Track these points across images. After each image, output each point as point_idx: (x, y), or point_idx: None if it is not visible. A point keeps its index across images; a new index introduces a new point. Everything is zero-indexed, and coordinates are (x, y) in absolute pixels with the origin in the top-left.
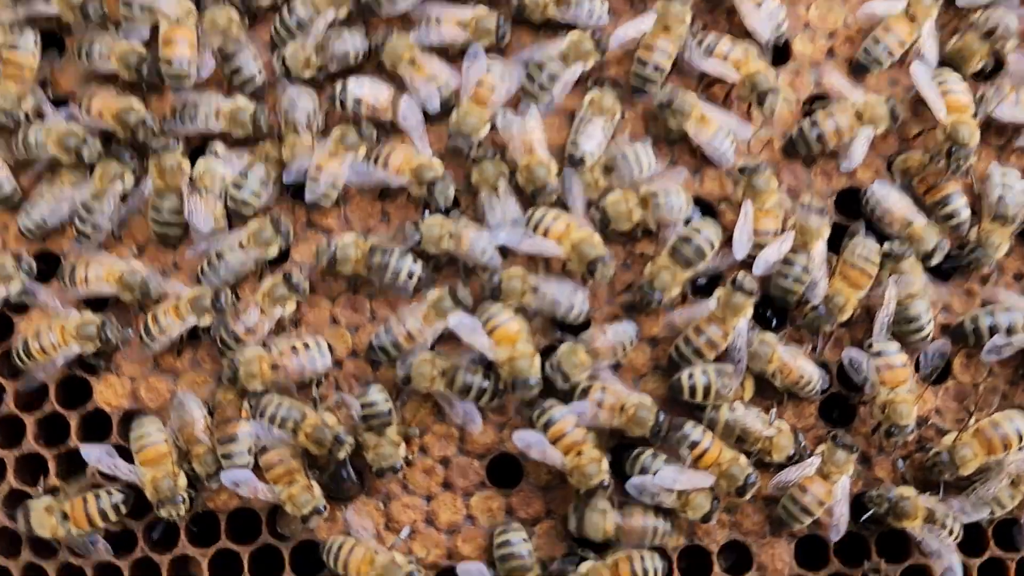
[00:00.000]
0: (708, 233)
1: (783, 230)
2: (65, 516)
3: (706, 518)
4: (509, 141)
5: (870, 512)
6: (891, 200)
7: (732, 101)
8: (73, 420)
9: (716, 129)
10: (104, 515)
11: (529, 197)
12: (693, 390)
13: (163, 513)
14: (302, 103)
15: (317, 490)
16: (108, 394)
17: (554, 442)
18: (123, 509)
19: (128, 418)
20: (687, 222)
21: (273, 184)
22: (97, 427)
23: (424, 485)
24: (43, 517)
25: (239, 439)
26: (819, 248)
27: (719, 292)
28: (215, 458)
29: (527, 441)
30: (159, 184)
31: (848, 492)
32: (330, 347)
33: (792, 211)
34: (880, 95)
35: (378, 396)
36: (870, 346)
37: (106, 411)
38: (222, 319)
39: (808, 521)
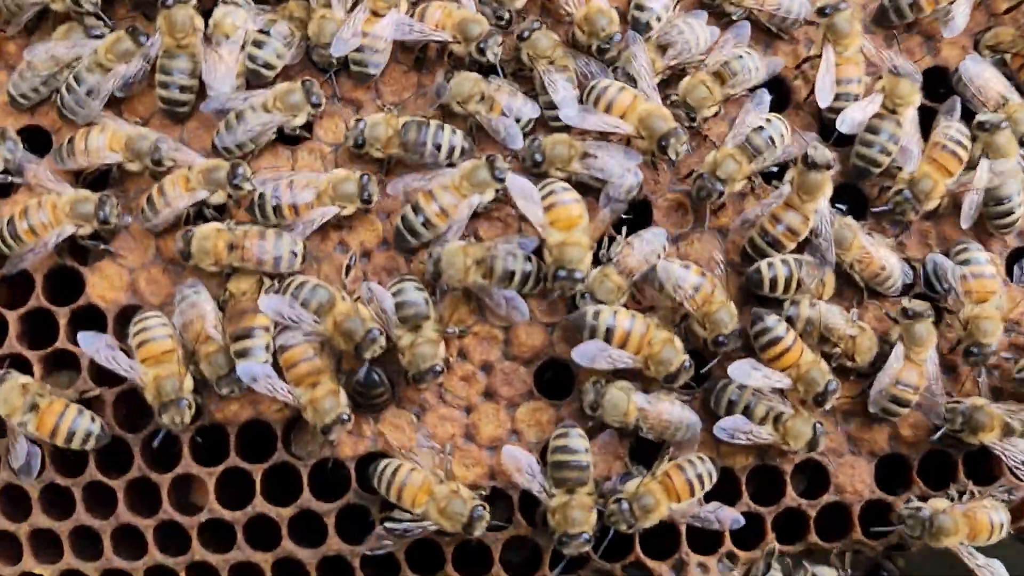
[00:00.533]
0: (779, 125)
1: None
2: (34, 408)
3: (812, 445)
4: None
5: (941, 431)
6: (985, 76)
7: None
8: (62, 318)
9: None
10: (71, 436)
11: (592, 53)
12: (774, 282)
13: (165, 419)
14: None
15: (343, 396)
16: (103, 287)
17: (621, 345)
18: (93, 444)
19: (126, 315)
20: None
21: (297, 46)
22: (89, 326)
23: (463, 394)
24: (12, 395)
25: (255, 334)
26: (911, 114)
27: (791, 173)
28: (227, 358)
29: (589, 354)
30: (169, 42)
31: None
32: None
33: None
34: None
35: (411, 287)
36: (958, 251)
37: (100, 307)
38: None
39: None
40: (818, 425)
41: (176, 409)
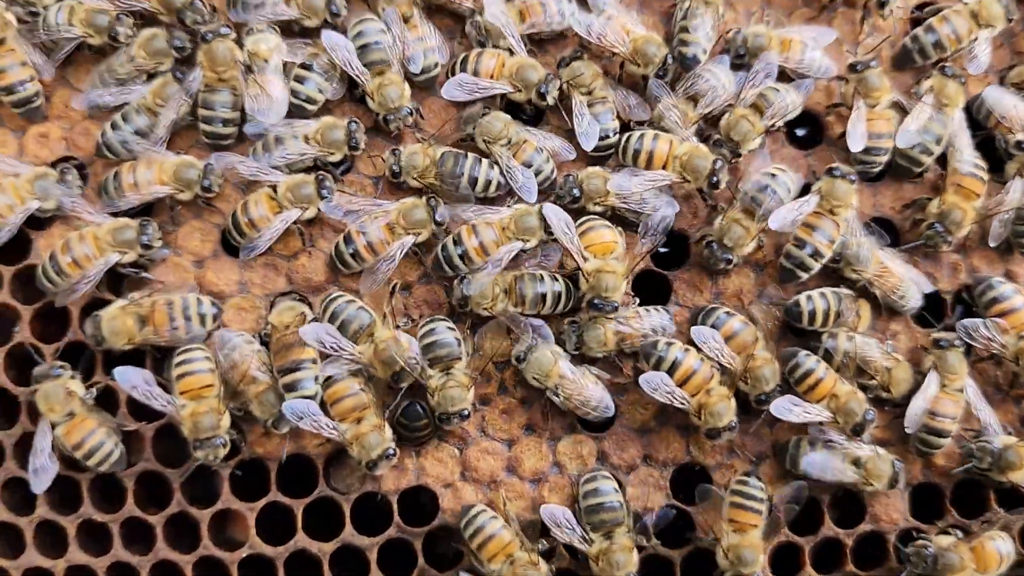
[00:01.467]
0: (785, 179)
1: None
2: (70, 416)
3: (893, 482)
4: (601, 34)
5: (966, 466)
6: (1008, 103)
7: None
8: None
9: (801, 47)
10: (91, 454)
11: (640, 81)
12: (812, 315)
13: (200, 455)
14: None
15: (388, 431)
16: None
17: (682, 384)
18: (107, 468)
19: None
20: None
21: (339, 80)
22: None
23: (505, 428)
24: (56, 395)
25: (304, 366)
26: (958, 115)
27: (819, 186)
28: (278, 395)
29: (653, 383)
30: (210, 76)
31: None
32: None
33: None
34: None
35: (443, 327)
36: (981, 291)
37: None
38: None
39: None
40: (896, 462)
41: (211, 446)
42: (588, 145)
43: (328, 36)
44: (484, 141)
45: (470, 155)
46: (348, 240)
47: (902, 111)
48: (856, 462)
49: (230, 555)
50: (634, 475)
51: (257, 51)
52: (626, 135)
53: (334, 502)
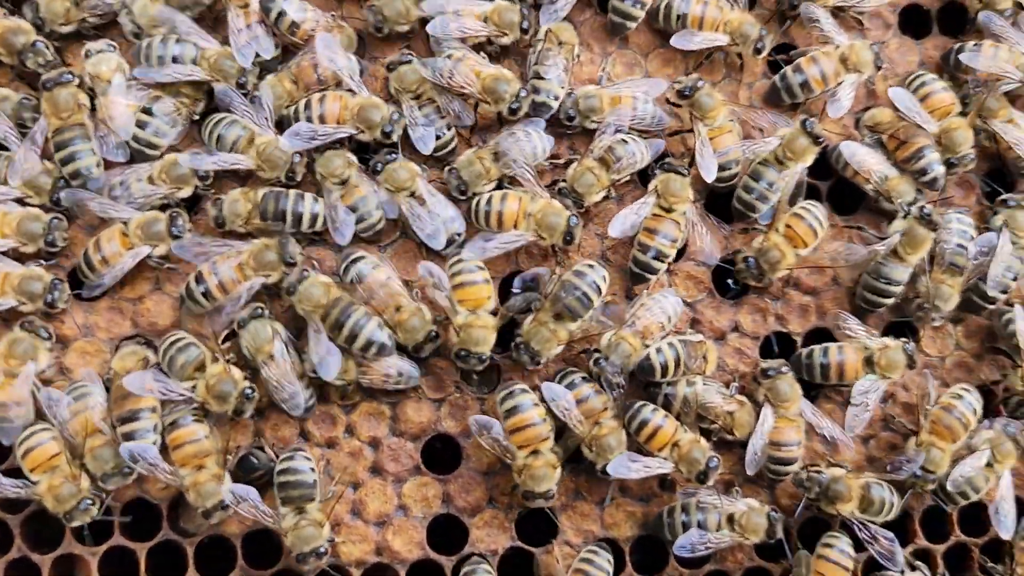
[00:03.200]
0: (594, 277)
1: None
2: None
3: (770, 533)
4: (449, 76)
5: (802, 501)
6: (862, 155)
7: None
8: None
9: (632, 102)
10: None
11: (496, 120)
12: (665, 367)
13: (76, 523)
14: None
15: (227, 481)
16: None
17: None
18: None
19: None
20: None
21: (183, 121)
22: None
23: (350, 471)
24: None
25: (141, 416)
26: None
27: (654, 184)
28: (113, 452)
29: (554, 393)
30: (55, 123)
31: None
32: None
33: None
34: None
35: (301, 457)
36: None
37: None
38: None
39: None
40: (771, 513)
41: (80, 512)
42: (425, 151)
43: None
44: (320, 175)
45: (291, 192)
46: (199, 279)
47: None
48: (731, 519)
49: None
50: (479, 517)
51: (98, 73)
52: (475, 200)
53: (179, 546)
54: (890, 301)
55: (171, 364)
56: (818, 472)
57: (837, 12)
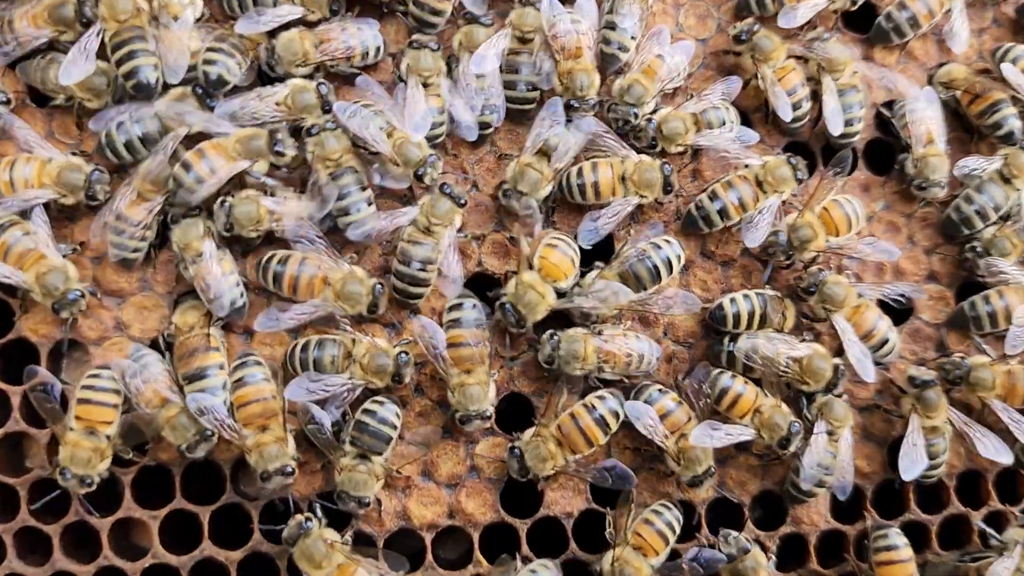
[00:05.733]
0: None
1: None
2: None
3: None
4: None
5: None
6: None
7: None
8: None
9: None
10: None
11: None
12: (737, 318)
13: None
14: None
15: (291, 446)
16: (34, 320)
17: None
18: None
19: (57, 352)
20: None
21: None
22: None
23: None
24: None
25: (210, 373)
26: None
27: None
28: (191, 419)
29: (636, 411)
30: (112, 26)
31: None
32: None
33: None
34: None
35: (390, 412)
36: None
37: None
38: None
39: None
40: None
41: (88, 480)
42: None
43: None
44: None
45: None
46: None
47: (802, 60)
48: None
49: (132, 565)
50: (553, 479)
51: (167, 3)
52: (564, 174)
53: (242, 508)
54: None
55: (317, 364)
56: (961, 357)
57: None
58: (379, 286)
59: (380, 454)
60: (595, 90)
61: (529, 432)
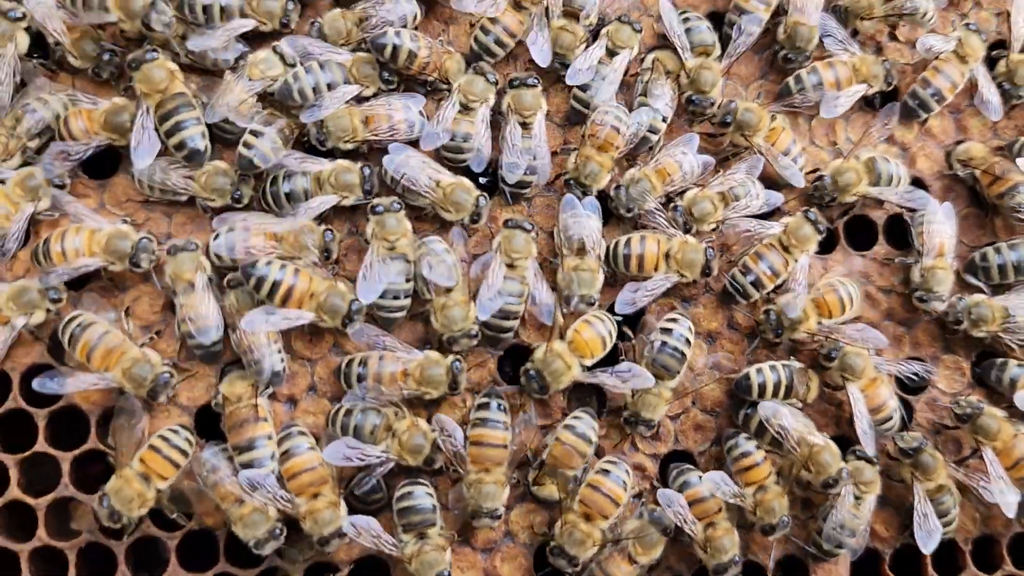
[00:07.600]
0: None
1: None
2: None
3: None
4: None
5: None
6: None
7: None
8: (40, 421)
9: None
10: None
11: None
12: (763, 388)
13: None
14: None
15: (343, 508)
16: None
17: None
18: None
19: (107, 418)
20: None
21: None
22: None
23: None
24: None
25: (259, 444)
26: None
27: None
28: (264, 515)
29: (667, 499)
30: (156, 98)
31: None
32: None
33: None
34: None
35: (422, 491)
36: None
37: (82, 409)
38: None
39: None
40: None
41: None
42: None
43: None
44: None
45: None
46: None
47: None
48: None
49: None
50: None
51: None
52: (612, 242)
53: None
54: None
55: (357, 431)
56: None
57: None
58: (457, 363)
59: (433, 525)
60: (601, 185)
61: (557, 525)
